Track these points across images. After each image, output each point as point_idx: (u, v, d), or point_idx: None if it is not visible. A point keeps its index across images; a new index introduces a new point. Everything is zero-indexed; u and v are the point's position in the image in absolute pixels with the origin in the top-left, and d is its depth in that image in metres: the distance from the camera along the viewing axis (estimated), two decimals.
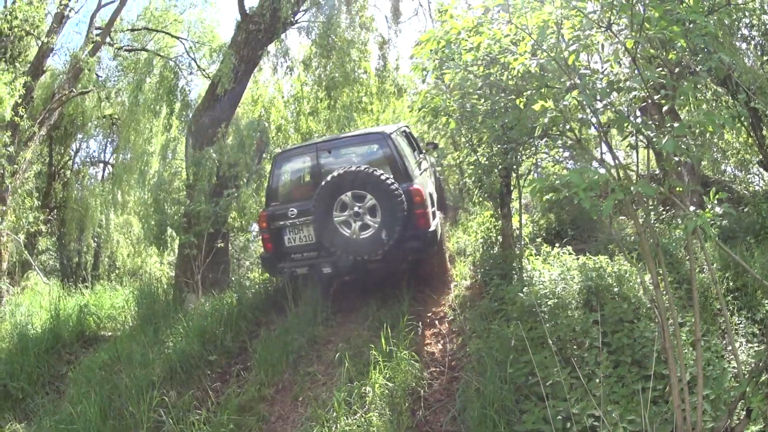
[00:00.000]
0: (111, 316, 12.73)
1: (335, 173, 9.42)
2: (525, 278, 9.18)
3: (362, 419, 6.93)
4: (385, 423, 6.89)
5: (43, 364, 10.53)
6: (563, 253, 9.93)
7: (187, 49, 18.85)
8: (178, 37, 18.38)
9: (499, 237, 11.75)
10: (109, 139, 25.28)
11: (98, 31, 18.37)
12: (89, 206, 23.01)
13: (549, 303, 7.95)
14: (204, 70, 15.93)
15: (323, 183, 9.42)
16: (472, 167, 11.42)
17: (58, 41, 18.47)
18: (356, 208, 9.36)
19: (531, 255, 10.30)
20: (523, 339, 6.92)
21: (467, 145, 11.54)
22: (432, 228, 9.70)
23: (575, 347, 7.26)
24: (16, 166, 15.76)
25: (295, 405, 7.96)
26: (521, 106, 6.67)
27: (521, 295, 8.45)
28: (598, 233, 12.06)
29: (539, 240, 11.64)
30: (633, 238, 10.83)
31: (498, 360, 7.16)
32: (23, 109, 15.28)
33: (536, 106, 5.98)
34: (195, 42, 19.14)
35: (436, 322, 9.78)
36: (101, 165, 26.05)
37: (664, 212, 11.62)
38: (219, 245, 12.57)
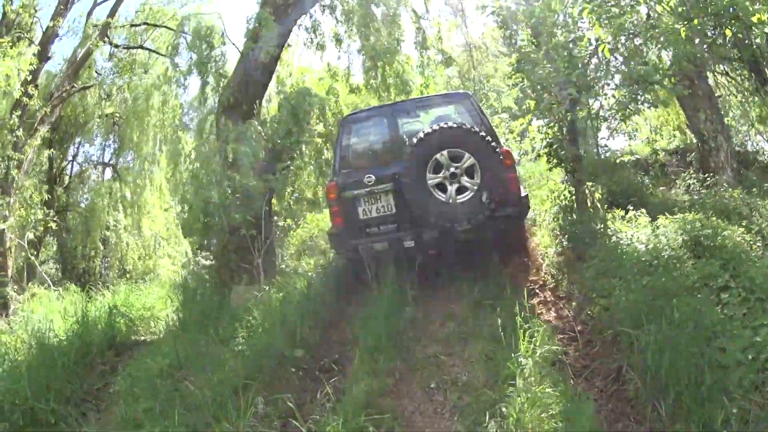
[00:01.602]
0: (142, 317, 9.77)
1: (429, 129, 7.67)
2: (617, 240, 7.67)
3: (538, 393, 5.05)
4: (564, 393, 5.09)
5: (74, 378, 7.22)
6: (638, 215, 8.52)
7: (189, 43, 15.50)
8: (183, 32, 15.03)
9: (573, 203, 9.93)
10: (111, 141, 21.73)
11: (94, 29, 15.63)
12: (95, 208, 19.72)
13: (664, 255, 6.65)
14: (234, 44, 12.39)
15: (415, 140, 7.69)
16: (547, 133, 9.90)
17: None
18: (452, 169, 7.63)
19: (614, 218, 8.68)
20: (663, 288, 5.83)
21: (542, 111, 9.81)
22: (524, 193, 8.31)
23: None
24: (22, 155, 12.89)
25: (429, 393, 5.94)
26: None
27: (641, 247, 7.06)
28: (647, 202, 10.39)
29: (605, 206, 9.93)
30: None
31: (647, 311, 5.48)
32: (33, 88, 12.61)
33: None
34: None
35: (537, 290, 8.10)
36: (101, 167, 22.38)
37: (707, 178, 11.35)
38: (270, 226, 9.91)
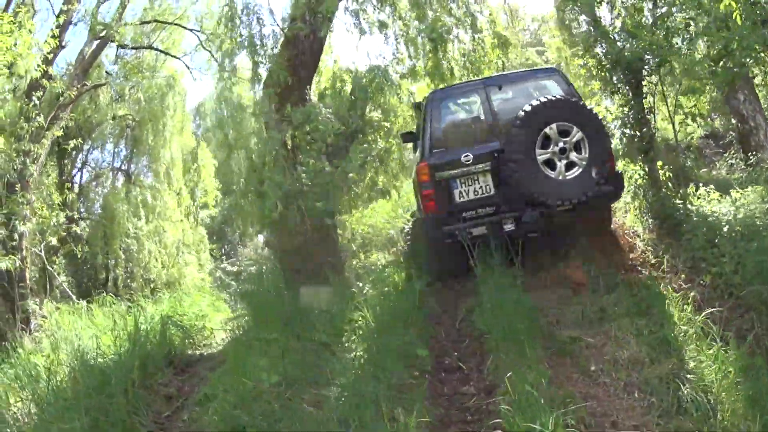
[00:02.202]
0: (195, 327, 8.27)
1: (536, 102, 6.98)
2: (704, 213, 7.41)
3: (720, 357, 4.63)
4: (737, 356, 4.66)
5: (139, 405, 5.45)
6: (708, 191, 8.18)
7: (202, 41, 14.16)
8: (191, 29, 13.82)
9: (646, 183, 9.20)
10: (123, 144, 19.56)
11: (101, 28, 13.91)
12: (115, 214, 17.47)
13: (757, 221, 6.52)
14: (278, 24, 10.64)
15: (523, 114, 6.95)
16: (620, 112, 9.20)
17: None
18: (561, 144, 6.94)
19: (694, 195, 8.20)
20: None
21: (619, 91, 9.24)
22: (620, 171, 7.69)
23: None
24: (40, 147, 11.27)
25: (592, 376, 5.07)
26: None
27: (730, 219, 6.88)
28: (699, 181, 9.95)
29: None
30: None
31: None
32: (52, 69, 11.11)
33: None
34: (209, 34, 14.83)
35: (640, 267, 7.47)
36: (114, 172, 19.88)
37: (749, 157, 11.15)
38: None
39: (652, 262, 7.52)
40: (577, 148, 6.95)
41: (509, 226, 7.21)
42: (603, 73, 8.92)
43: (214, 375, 5.91)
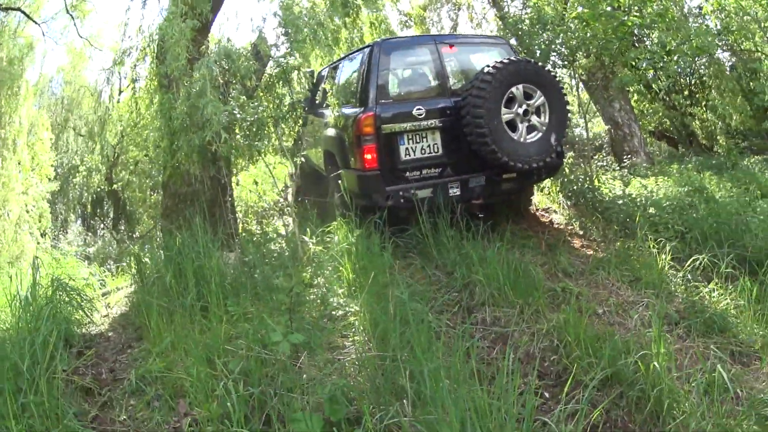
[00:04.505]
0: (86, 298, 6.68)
1: (506, 60, 6.84)
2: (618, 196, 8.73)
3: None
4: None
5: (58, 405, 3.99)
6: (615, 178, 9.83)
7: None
8: None
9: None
10: None
11: None
12: None
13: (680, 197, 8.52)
14: None
15: (492, 69, 6.70)
16: None
17: None
18: (525, 106, 6.83)
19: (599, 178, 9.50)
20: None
21: None
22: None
23: None
24: None
25: (622, 325, 5.24)
26: None
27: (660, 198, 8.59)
28: None
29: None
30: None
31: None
32: None
33: None
34: None
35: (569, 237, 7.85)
36: None
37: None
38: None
39: (579, 232, 8.06)
40: (538, 112, 6.93)
41: (455, 191, 7.00)
42: None
43: (152, 355, 4.87)
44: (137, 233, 18.48)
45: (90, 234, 21.19)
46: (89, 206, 21.73)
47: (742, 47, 14.10)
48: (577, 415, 3.47)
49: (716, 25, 9.61)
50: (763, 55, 8.94)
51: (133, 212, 19.12)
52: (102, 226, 22.15)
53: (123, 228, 20.65)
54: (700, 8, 10.16)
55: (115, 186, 18.48)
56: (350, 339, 4.80)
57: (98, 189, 20.26)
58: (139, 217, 18.85)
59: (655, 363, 4.02)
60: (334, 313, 5.27)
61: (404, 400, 3.57)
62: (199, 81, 6.60)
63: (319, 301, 5.49)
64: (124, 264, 8.68)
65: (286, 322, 4.48)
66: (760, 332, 5.03)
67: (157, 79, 7.81)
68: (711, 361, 4.43)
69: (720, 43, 11.01)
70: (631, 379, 4.06)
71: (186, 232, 6.29)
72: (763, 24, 7.97)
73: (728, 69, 15.89)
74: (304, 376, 4.08)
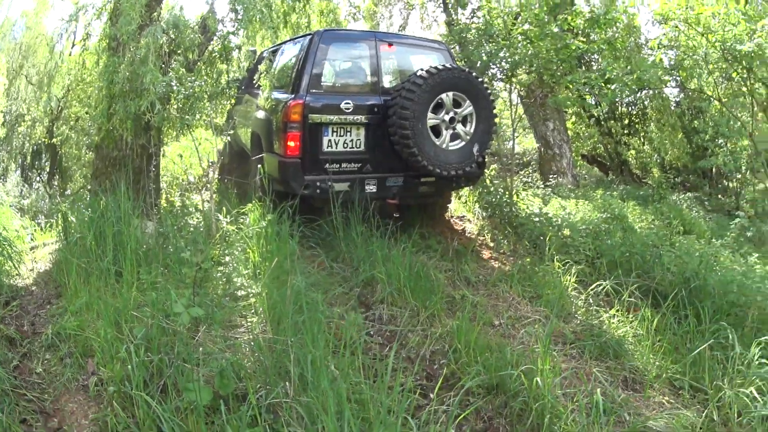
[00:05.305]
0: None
1: (440, 66, 7.00)
2: (534, 213, 8.76)
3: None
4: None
5: None
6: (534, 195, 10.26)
7: None
8: None
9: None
10: None
11: None
12: None
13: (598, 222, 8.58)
14: None
15: (426, 73, 6.86)
16: None
17: None
18: (452, 114, 7.04)
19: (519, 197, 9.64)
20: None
21: None
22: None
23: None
24: None
25: (516, 338, 5.31)
26: None
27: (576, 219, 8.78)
28: None
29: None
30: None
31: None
32: None
33: None
34: None
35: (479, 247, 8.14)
36: None
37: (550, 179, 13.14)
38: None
39: (490, 244, 8.33)
40: (464, 121, 7.18)
41: (371, 188, 7.17)
42: None
43: (68, 313, 4.97)
44: (69, 190, 18.11)
45: (26, 186, 20.67)
46: (29, 157, 21.23)
47: (691, 86, 14.71)
48: (454, 416, 3.69)
49: (670, 60, 9.68)
50: (710, 96, 9.14)
51: (68, 169, 18.75)
52: (38, 179, 21.66)
53: (56, 184, 20.25)
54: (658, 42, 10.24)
55: (54, 140, 18.05)
56: (248, 319, 4.97)
57: (39, 141, 19.81)
58: (72, 175, 18.50)
59: (538, 378, 4.24)
60: (236, 292, 5.42)
61: (287, 383, 3.71)
62: (143, 48, 6.61)
63: (224, 279, 5.63)
64: (53, 220, 8.55)
65: (190, 296, 4.61)
66: (657, 362, 5.29)
67: (106, 41, 7.63)
68: (600, 384, 4.66)
69: (669, 78, 11.10)
70: (515, 391, 4.27)
71: (111, 196, 6.35)
72: (710, 66, 8.11)
73: (674, 104, 16.53)
74: (201, 349, 4.19)
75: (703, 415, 4.47)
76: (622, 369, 5.12)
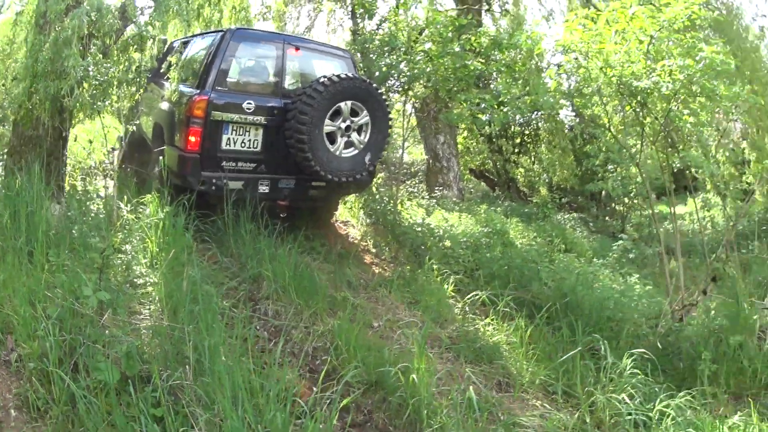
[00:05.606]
0: None
1: (343, 75, 7.28)
2: (416, 223, 9.46)
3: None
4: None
5: None
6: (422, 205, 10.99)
7: None
8: None
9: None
10: None
11: None
12: None
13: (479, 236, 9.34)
14: None
15: (327, 81, 7.09)
16: None
17: None
18: (348, 122, 7.34)
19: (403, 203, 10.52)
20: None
21: None
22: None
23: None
24: None
25: (394, 341, 5.74)
26: None
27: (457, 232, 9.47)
28: None
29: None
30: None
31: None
32: None
33: None
34: None
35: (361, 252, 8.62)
36: None
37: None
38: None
39: (372, 250, 8.74)
40: (360, 130, 7.46)
41: (264, 188, 7.38)
42: None
43: None
44: None
45: None
46: None
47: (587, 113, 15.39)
48: (334, 407, 4.03)
49: (570, 85, 10.32)
50: (603, 125, 9.76)
51: None
52: None
53: None
54: (558, 65, 10.92)
55: None
56: (146, 306, 5.13)
57: None
58: None
59: (414, 376, 4.65)
60: (135, 280, 5.55)
61: (187, 367, 3.98)
62: (68, 30, 6.55)
63: (124, 266, 5.73)
64: None
65: (96, 280, 4.74)
66: (530, 368, 5.77)
67: (35, 18, 7.58)
68: (474, 384, 5.09)
69: (566, 103, 11.39)
70: (393, 387, 4.66)
71: (25, 176, 6.35)
72: (605, 99, 8.65)
73: (567, 128, 17.46)
74: (107, 332, 4.37)
75: (575, 417, 5.00)
76: (496, 373, 5.61)
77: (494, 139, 17.83)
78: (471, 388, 4.77)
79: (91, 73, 6.60)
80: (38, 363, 3.93)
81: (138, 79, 7.08)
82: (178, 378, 3.87)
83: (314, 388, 4.48)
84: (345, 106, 7.24)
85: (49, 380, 3.80)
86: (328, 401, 4.23)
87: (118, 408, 3.63)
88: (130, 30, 7.40)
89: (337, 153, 7.32)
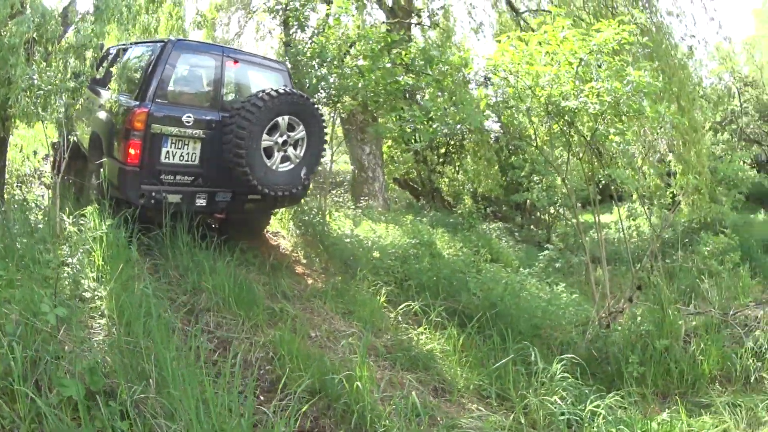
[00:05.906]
0: None
1: (282, 90, 7.37)
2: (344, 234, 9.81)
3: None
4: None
5: None
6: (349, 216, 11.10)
7: None
8: None
9: None
10: None
11: None
12: None
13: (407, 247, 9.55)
14: None
15: (266, 96, 7.20)
16: None
17: None
18: (285, 137, 7.46)
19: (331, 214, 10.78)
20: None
21: None
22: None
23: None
24: None
25: (332, 350, 6.00)
26: None
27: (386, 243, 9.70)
28: None
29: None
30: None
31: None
32: None
33: None
34: None
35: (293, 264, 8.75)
36: None
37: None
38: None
39: (303, 261, 8.93)
40: (296, 145, 7.60)
41: (201, 201, 7.40)
42: None
43: None
44: None
45: None
46: None
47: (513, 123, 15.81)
48: (288, 413, 4.23)
49: (496, 95, 10.58)
50: (528, 139, 10.05)
51: None
52: None
53: None
54: (487, 78, 11.00)
55: None
56: (97, 321, 5.12)
57: None
58: None
59: (358, 383, 4.85)
60: (84, 294, 5.50)
61: (150, 380, 4.06)
62: (16, 37, 6.41)
63: (71, 280, 5.65)
64: None
65: (50, 296, 4.74)
66: (464, 374, 6.07)
67: None
68: (412, 390, 5.29)
69: (492, 114, 11.60)
70: (337, 394, 4.86)
71: None
72: (532, 117, 8.89)
73: (493, 139, 17.76)
74: (66, 348, 4.36)
75: (511, 418, 5.28)
76: (432, 379, 5.90)
77: (419, 150, 18.02)
78: (413, 393, 5.02)
79: (35, 81, 6.54)
80: (2, 381, 3.87)
81: (79, 88, 7.05)
82: (143, 392, 3.92)
83: (261, 397, 4.70)
84: (282, 120, 7.34)
85: (13, 398, 3.76)
86: (281, 409, 4.35)
87: (87, 423, 3.66)
88: (70, 35, 7.34)
89: (274, 167, 7.41)
